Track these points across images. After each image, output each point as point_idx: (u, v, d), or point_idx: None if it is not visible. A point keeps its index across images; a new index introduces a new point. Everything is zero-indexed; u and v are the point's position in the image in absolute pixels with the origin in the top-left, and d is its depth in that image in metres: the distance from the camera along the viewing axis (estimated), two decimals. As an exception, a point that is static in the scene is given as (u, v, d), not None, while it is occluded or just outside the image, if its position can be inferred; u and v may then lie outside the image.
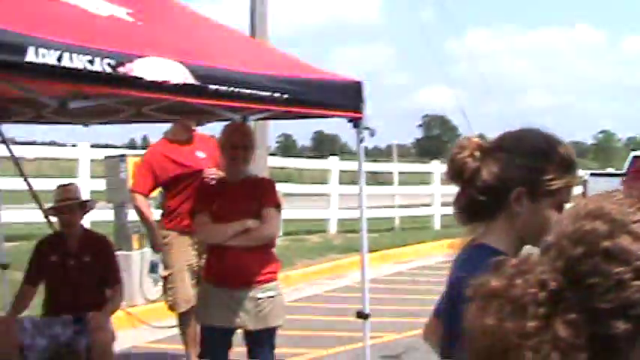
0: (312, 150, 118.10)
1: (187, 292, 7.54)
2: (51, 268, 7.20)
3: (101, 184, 12.87)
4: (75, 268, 7.15)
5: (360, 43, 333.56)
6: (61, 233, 7.37)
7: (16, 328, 6.84)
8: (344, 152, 73.39)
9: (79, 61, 4.03)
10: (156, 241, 7.85)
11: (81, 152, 16.15)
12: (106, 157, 11.70)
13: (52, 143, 34.12)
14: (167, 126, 8.12)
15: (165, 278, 7.96)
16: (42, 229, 13.74)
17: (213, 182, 7.54)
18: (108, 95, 4.99)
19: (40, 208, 11.57)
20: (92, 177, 15.77)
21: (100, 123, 8.24)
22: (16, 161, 11.41)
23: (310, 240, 17.96)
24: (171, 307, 7.98)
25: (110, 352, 6.92)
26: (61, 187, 7.42)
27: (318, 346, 9.63)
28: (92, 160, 16.10)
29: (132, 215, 11.07)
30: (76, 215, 7.19)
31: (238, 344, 6.45)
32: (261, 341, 6.21)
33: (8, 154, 9.98)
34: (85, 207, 7.30)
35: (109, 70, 4.18)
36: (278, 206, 6.22)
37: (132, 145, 57.01)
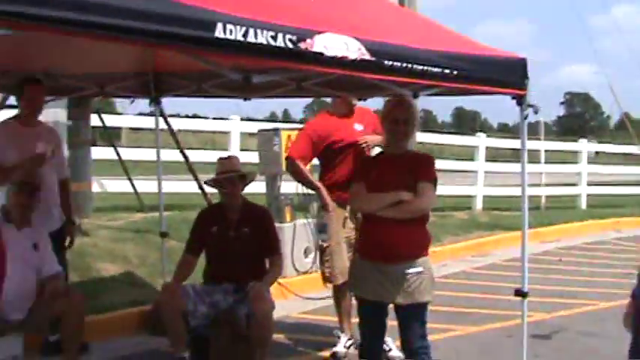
0: (452, 126, 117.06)
1: (344, 264, 7.60)
2: (212, 238, 7.35)
3: (249, 157, 13.14)
4: (235, 239, 7.27)
5: (501, 18, 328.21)
6: (222, 204, 7.51)
7: (179, 294, 7.04)
8: (483, 129, 72.64)
9: (262, 37, 4.12)
10: (325, 200, 7.87)
11: (233, 125, 16.42)
12: (260, 131, 11.87)
13: (195, 116, 34.89)
14: (307, 101, 8.19)
15: (322, 250, 8.06)
16: (193, 199, 14.14)
17: (368, 149, 7.64)
18: (286, 70, 5.07)
19: (196, 179, 11.88)
20: (241, 150, 16.06)
21: (260, 97, 8.39)
22: (173, 133, 11.74)
23: (456, 216, 17.90)
24: (328, 279, 8.07)
25: (270, 321, 7.02)
26: (223, 159, 7.56)
27: (468, 323, 9.62)
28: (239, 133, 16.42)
29: (284, 188, 11.28)
30: (237, 187, 7.30)
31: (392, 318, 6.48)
32: (411, 316, 6.20)
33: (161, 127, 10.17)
34: (245, 179, 7.41)
35: (290, 45, 4.25)
36: (434, 181, 6.18)
37: (273, 119, 57.55)
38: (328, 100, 8.51)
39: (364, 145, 7.81)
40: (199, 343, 7.17)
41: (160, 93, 8.89)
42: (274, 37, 4.17)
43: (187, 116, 28.68)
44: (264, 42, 4.12)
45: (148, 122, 16.97)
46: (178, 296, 7.00)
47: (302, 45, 4.31)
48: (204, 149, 19.32)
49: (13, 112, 8.06)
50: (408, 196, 5.98)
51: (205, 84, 8.14)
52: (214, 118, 27.58)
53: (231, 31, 3.96)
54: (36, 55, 7.03)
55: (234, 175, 7.26)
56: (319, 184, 7.93)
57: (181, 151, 11.82)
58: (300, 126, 9.95)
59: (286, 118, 65.38)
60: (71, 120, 11.63)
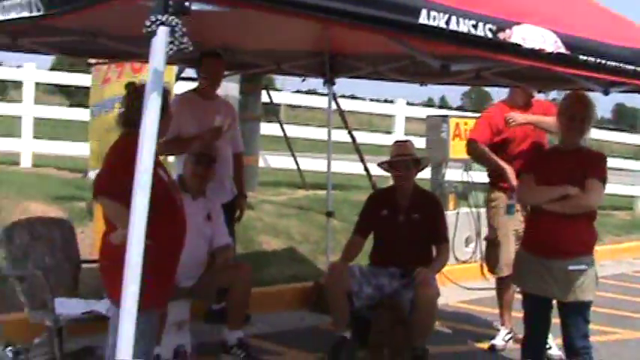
0: (611, 122, 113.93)
1: (510, 256, 7.46)
2: (381, 221, 7.38)
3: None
4: (404, 224, 7.28)
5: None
6: (393, 189, 7.53)
7: (346, 274, 7.10)
8: (644, 127, 70.31)
9: (464, 25, 4.09)
10: (512, 182, 7.59)
11: (398, 109, 16.43)
12: (428, 117, 11.85)
13: (352, 97, 34.99)
14: (464, 88, 8.03)
15: (489, 241, 7.99)
16: (353, 179, 14.22)
17: (513, 123, 7.61)
18: (481, 59, 5.03)
19: (362, 160, 11.95)
20: (406, 134, 16.05)
21: (437, 83, 8.37)
22: (342, 114, 11.81)
23: (617, 216, 17.44)
24: (492, 271, 8.01)
25: (434, 308, 7.03)
26: (398, 143, 7.58)
27: (630, 327, 9.38)
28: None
29: (449, 175, 11.23)
30: (411, 172, 7.30)
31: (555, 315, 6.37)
32: (574, 314, 6.09)
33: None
34: (419, 164, 7.41)
35: (490, 35, 4.22)
36: (603, 179, 6.05)
37: (430, 104, 57.29)
38: (486, 88, 8.44)
39: (510, 120, 7.69)
40: (360, 325, 7.22)
41: (334, 74, 8.92)
42: (475, 26, 4.14)
43: (343, 96, 28.81)
44: (465, 30, 4.10)
45: (307, 100, 17.45)
46: (345, 276, 7.07)
47: (501, 35, 4.27)
48: (363, 130, 19.40)
49: (188, 84, 8.21)
50: (574, 191, 5.89)
51: (381, 67, 8.14)
52: (371, 100, 27.61)
53: (434, 18, 3.96)
54: (217, 29, 7.14)
55: (409, 159, 7.27)
56: (505, 165, 7.67)
57: (349, 132, 11.89)
58: (461, 113, 9.85)
59: (443, 104, 64.85)
60: (242, 94, 11.80)
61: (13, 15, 4.81)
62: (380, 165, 7.67)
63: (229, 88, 11.01)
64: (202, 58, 7.59)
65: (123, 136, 5.45)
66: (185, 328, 6.84)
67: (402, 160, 7.27)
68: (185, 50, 3.16)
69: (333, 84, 9.14)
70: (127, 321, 3.31)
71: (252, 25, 6.68)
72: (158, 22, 3.12)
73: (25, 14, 4.67)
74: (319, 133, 16.88)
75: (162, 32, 3.13)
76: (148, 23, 3.13)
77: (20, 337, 6.68)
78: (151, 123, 3.19)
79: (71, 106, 25.24)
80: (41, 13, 4.52)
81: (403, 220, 7.29)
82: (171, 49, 3.15)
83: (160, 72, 3.19)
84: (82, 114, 15.17)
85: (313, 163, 15.18)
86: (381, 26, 3.90)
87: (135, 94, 5.29)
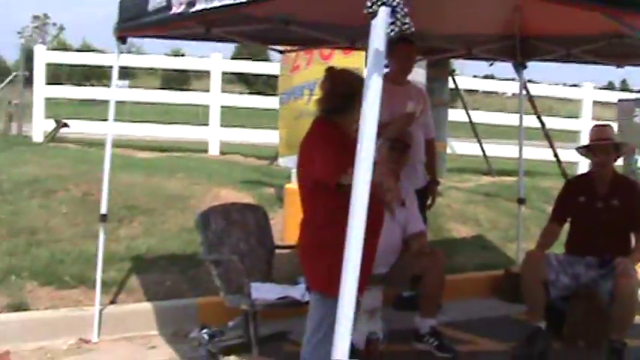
0: None
1: None
2: (578, 208, 7.17)
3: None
4: (603, 211, 7.05)
5: None
6: (591, 174, 7.32)
7: (543, 262, 6.94)
8: None
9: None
10: None
11: (586, 93, 16.03)
12: (620, 100, 11.49)
13: (530, 81, 34.26)
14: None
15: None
16: (538, 166, 13.91)
17: None
18: None
19: (551, 146, 11.68)
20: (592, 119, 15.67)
21: (634, 65, 8.08)
22: (531, 99, 11.57)
23: None
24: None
25: (634, 300, 6.76)
26: (597, 127, 7.34)
27: None
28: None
29: (642, 162, 10.84)
30: (610, 157, 7.08)
31: None
32: None
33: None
34: (618, 150, 7.17)
35: None
36: None
37: (610, 87, 55.65)
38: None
39: None
40: (555, 315, 7.05)
41: (525, 57, 8.71)
42: None
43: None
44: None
45: (489, 85, 17.30)
46: (542, 265, 6.91)
47: None
48: (545, 115, 19.06)
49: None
50: None
51: (575, 49, 7.91)
52: (549, 84, 26.99)
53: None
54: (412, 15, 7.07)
55: (609, 144, 7.04)
56: None
57: (538, 117, 11.64)
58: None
59: (624, 87, 62.86)
60: (428, 80, 11.67)
61: (215, 3, 4.85)
62: (578, 149, 7.47)
63: (417, 74, 10.90)
64: (395, 44, 7.48)
65: (319, 120, 5.40)
66: (377, 315, 6.83)
67: (602, 144, 7.04)
68: (407, 31, 3.11)
69: (525, 68, 8.92)
70: (344, 320, 3.18)
71: (446, 10, 6.58)
72: (379, 3, 3.09)
73: (229, 1, 4.71)
74: (500, 118, 16.69)
75: (383, 12, 3.09)
76: (369, 4, 3.10)
77: (214, 320, 6.81)
78: (372, 106, 3.16)
79: (251, 94, 25.71)
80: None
81: (601, 207, 7.06)
82: (392, 30, 3.11)
83: (381, 53, 3.16)
84: (266, 102, 15.46)
85: (497, 149, 14.97)
86: (596, 3, 3.75)
87: (335, 79, 5.29)
